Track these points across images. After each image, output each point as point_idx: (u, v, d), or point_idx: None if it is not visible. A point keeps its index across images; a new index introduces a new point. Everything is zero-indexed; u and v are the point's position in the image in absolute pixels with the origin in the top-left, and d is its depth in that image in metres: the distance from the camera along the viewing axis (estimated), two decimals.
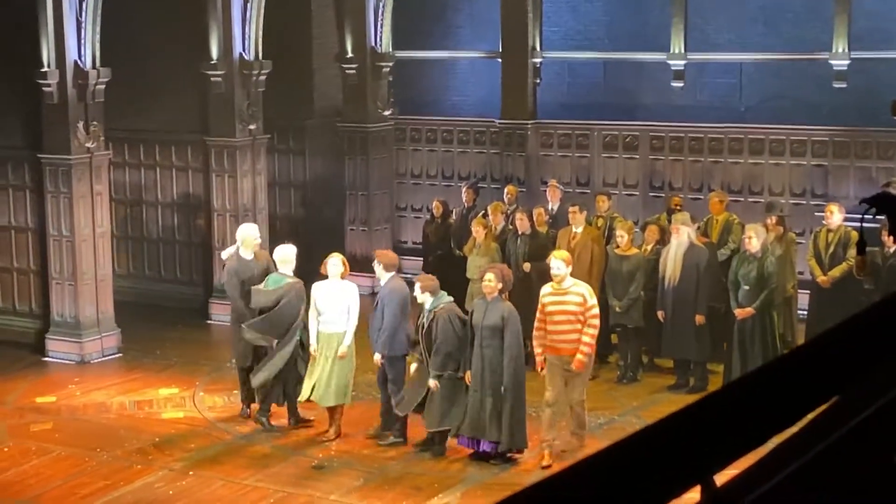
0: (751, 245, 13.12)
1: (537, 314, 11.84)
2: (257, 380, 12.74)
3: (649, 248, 14.38)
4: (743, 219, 15.11)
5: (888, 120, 16.12)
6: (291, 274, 12.79)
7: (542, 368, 11.84)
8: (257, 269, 13.19)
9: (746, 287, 13.05)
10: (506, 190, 17.12)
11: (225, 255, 13.77)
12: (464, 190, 17.27)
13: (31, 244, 16.16)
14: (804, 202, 17.41)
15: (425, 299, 11.96)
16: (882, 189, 13.52)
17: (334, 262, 12.58)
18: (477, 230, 14.80)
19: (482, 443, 11.79)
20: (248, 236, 13.46)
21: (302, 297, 12.65)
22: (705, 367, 13.97)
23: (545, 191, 17.28)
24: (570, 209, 14.62)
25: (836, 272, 13.82)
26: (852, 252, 13.19)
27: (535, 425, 11.96)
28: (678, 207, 15.32)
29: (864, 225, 5.71)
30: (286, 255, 12.86)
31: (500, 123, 19.41)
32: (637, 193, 18.56)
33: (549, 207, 16.21)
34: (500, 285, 11.71)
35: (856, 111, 17.20)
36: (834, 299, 13.66)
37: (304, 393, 12.51)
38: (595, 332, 11.73)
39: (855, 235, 13.17)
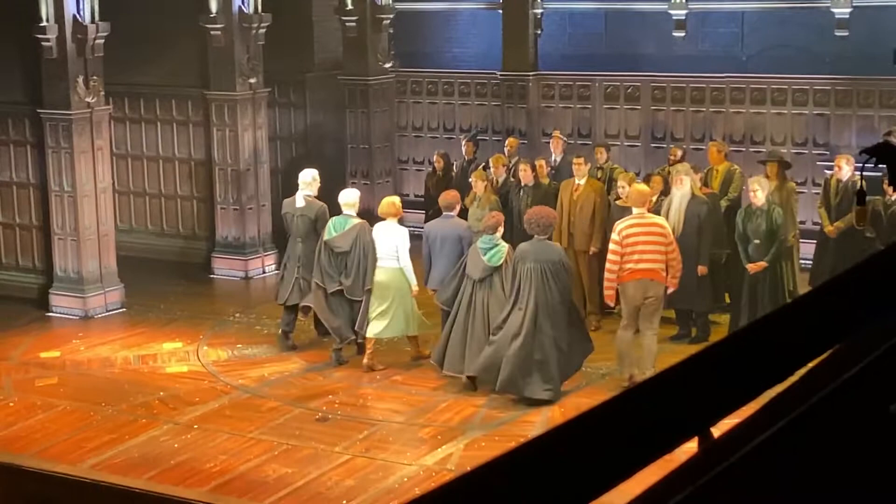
0: (756, 198, 13.06)
1: None
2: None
3: (654, 199, 14.31)
4: (745, 169, 15.07)
5: (890, 68, 16.01)
6: (355, 215, 13.31)
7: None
8: None
9: (757, 241, 13.02)
10: (506, 142, 17.10)
11: (306, 198, 13.90)
12: (463, 143, 17.25)
13: (33, 199, 16.15)
14: (806, 151, 17.37)
15: None
16: (883, 139, 13.50)
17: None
18: (476, 183, 14.78)
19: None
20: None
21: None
22: (707, 317, 14.00)
23: (547, 142, 17.24)
24: (575, 160, 14.59)
25: (843, 223, 13.81)
26: None
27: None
28: (677, 159, 15.24)
29: (867, 174, 5.71)
30: (351, 198, 13.44)
31: (500, 75, 19.33)
32: (639, 144, 18.52)
33: (553, 159, 16.19)
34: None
35: (858, 60, 17.12)
36: (839, 249, 13.66)
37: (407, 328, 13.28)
38: (608, 265, 12.49)
39: None
